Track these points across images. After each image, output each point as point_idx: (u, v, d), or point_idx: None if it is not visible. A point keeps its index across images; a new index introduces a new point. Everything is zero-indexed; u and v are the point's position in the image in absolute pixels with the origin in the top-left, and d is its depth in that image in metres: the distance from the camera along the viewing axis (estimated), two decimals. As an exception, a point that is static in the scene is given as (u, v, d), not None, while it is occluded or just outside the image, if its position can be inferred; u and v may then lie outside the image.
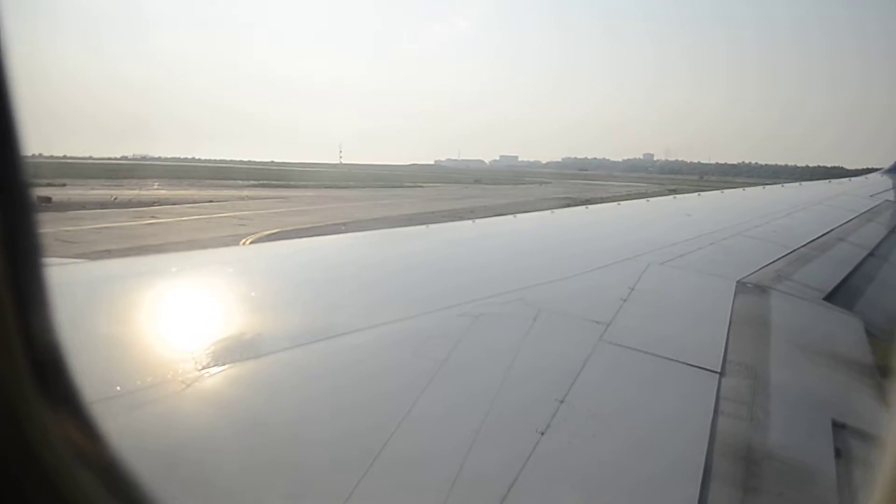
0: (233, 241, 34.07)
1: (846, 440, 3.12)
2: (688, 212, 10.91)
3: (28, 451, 1.13)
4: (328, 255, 6.63)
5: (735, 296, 5.20)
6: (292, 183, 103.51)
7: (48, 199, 54.50)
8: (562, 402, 2.99)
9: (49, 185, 76.12)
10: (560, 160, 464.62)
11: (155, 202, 58.56)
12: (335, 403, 2.97)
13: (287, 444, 2.58)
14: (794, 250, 7.38)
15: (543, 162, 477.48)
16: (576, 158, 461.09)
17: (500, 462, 2.53)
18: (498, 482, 2.37)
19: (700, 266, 6.14)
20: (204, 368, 2.99)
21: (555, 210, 11.80)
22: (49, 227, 38.71)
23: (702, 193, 14.73)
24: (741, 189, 16.83)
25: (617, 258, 5.96)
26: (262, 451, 2.51)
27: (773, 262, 6.66)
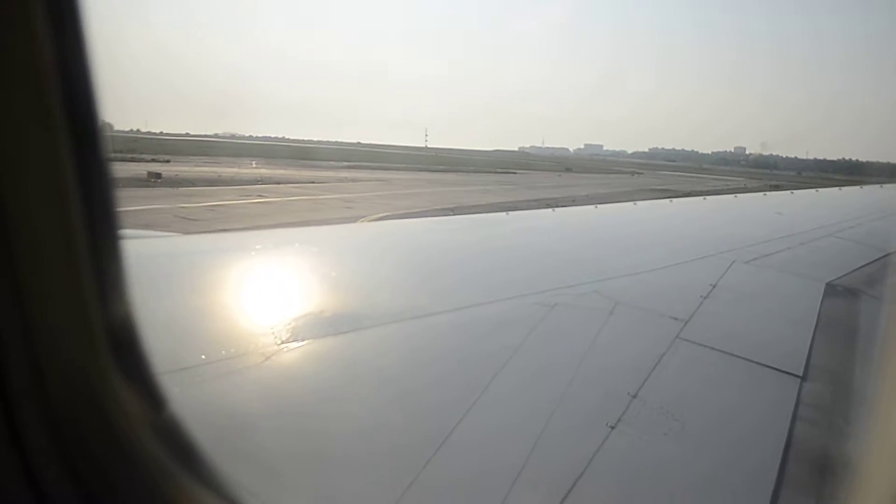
0: (345, 223, 33.81)
1: None
2: (778, 210, 10.47)
3: (104, 420, 1.21)
4: (408, 238, 6.67)
5: (823, 298, 4.98)
6: (385, 165, 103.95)
7: (158, 175, 55.87)
8: (634, 397, 2.94)
9: (154, 160, 78.54)
10: (647, 150, 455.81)
11: (258, 180, 59.40)
12: (408, 384, 2.97)
13: (359, 421, 2.60)
14: (890, 253, 6.98)
15: (629, 152, 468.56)
16: (663, 149, 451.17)
17: (567, 453, 2.51)
18: (565, 474, 2.35)
19: (787, 266, 5.93)
20: (284, 343, 3.06)
21: (637, 202, 11.44)
22: (166, 202, 39.56)
23: (794, 192, 14.23)
24: (836, 188, 15.83)
25: (700, 254, 5.83)
26: (334, 426, 2.55)
27: (866, 264, 6.28)
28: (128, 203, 35.84)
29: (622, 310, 4.04)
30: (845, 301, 5.13)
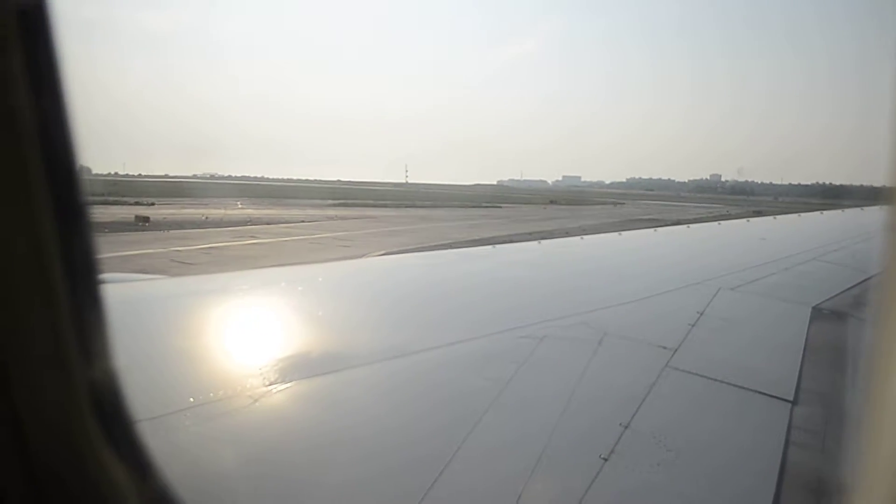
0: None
1: None
2: (761, 235, 10.53)
3: (91, 489, 1.18)
4: (392, 274, 6.67)
5: (810, 322, 5.00)
6: (370, 202, 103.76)
7: (146, 219, 55.19)
8: (626, 427, 2.93)
9: (138, 203, 77.67)
10: (624, 180, 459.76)
11: (248, 221, 58.86)
12: (398, 422, 2.96)
13: (349, 462, 2.58)
14: (874, 276, 6.48)
15: (607, 182, 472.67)
16: (640, 178, 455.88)
17: (561, 486, 2.51)
18: None
19: (773, 291, 5.96)
20: (270, 384, 3.03)
21: (622, 232, 11.41)
22: (159, 246, 38.91)
23: (776, 217, 14.25)
24: (818, 212, 15.92)
25: (686, 282, 5.85)
26: (323, 468, 2.53)
27: (851, 287, 6.32)
28: (121, 248, 35.29)
29: (610, 340, 4.01)
30: (832, 324, 5.13)
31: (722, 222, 14.01)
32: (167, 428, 2.56)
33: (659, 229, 12.16)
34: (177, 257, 35.25)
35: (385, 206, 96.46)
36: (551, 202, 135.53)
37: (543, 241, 9.78)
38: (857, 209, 16.46)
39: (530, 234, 51.21)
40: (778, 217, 14.30)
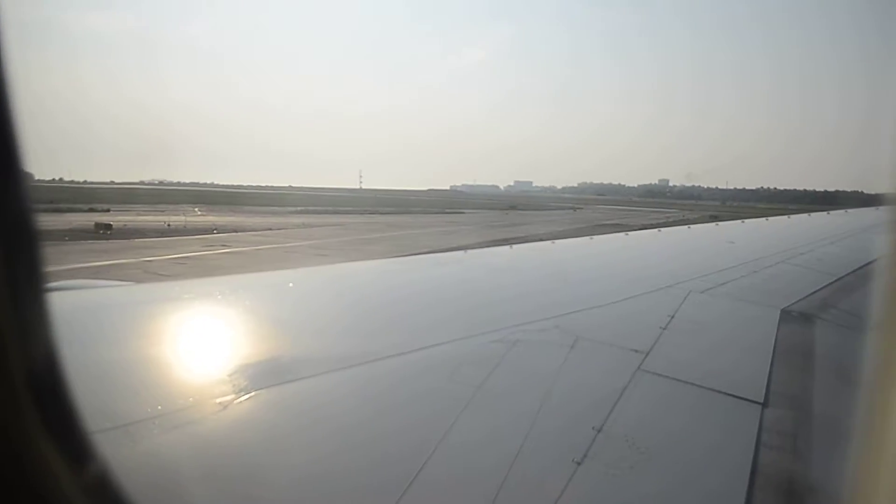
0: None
1: None
2: (729, 239, 10.52)
3: (25, 481, 1.14)
4: (362, 280, 6.67)
5: (779, 324, 5.02)
6: (331, 209, 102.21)
7: (108, 227, 53.12)
8: (599, 431, 2.94)
9: (92, 210, 75.00)
10: (576, 185, 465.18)
11: (213, 229, 57.08)
12: (369, 429, 2.92)
13: (319, 470, 2.56)
14: (841, 278, 7.06)
15: (559, 187, 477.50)
16: (591, 183, 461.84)
17: (535, 491, 2.51)
18: None
19: (742, 294, 5.98)
20: (237, 392, 2.97)
21: (593, 236, 11.47)
22: (129, 256, 37.38)
23: (744, 220, 14.43)
24: (785, 216, 16.00)
25: (656, 286, 5.83)
26: (291, 475, 2.48)
27: (819, 290, 6.42)
28: (88, 258, 33.86)
29: (583, 344, 4.02)
30: (801, 326, 5.17)
31: (691, 226, 13.96)
32: (130, 437, 2.48)
33: (630, 233, 12.19)
34: (150, 268, 33.89)
35: (347, 212, 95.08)
36: (511, 207, 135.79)
37: (515, 246, 9.73)
38: (824, 213, 16.76)
39: (506, 240, 50.81)
40: (746, 221, 14.39)
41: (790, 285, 6.57)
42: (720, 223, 14.49)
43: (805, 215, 16.62)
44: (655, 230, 13.26)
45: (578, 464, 2.67)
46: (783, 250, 8.50)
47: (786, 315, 5.33)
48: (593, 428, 2.97)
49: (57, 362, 1.19)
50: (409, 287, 6.10)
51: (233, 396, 2.96)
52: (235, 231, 56.36)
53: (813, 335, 5.01)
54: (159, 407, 2.79)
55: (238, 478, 2.47)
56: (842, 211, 17.05)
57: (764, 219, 15.47)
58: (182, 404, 2.88)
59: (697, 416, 3.43)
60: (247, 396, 2.98)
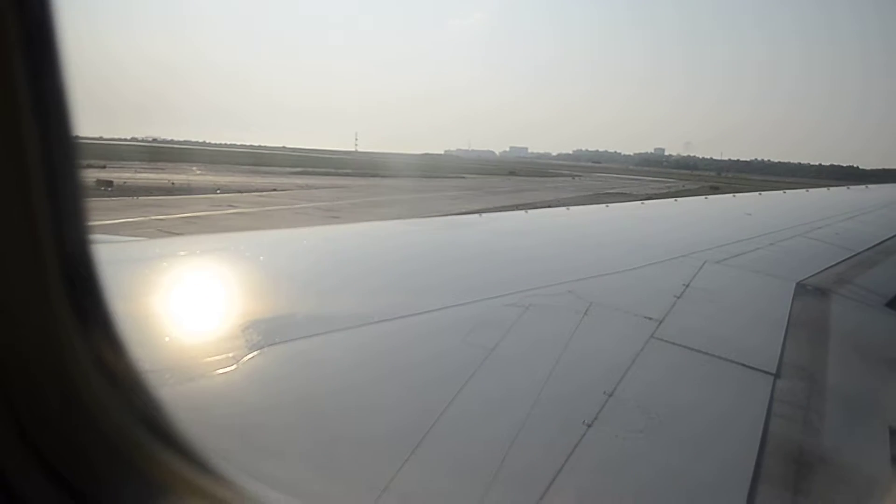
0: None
1: None
2: (747, 210, 10.56)
3: (60, 369, 1.17)
4: (378, 240, 6.64)
5: (794, 297, 5.05)
6: (331, 171, 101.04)
7: (109, 183, 52.02)
8: (610, 395, 2.95)
9: (89, 166, 73.69)
10: (571, 152, 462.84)
11: (217, 189, 56.02)
12: (383, 385, 2.95)
13: (330, 425, 2.58)
14: (858, 253, 7.12)
15: (554, 154, 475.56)
16: (587, 150, 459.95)
17: (545, 451, 2.53)
18: (543, 472, 2.37)
19: (758, 266, 5.97)
20: (249, 348, 2.97)
21: (609, 204, 11.40)
22: (137, 214, 36.56)
23: (761, 193, 14.34)
24: (804, 190, 16.45)
25: (672, 255, 5.84)
26: (306, 430, 2.52)
27: (835, 264, 6.43)
28: (96, 215, 32.84)
29: (597, 310, 4.02)
30: (816, 300, 5.18)
31: (708, 197, 14.06)
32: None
33: (645, 202, 12.37)
34: (162, 226, 32.98)
35: (348, 174, 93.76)
36: (511, 173, 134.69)
37: (530, 211, 9.72)
38: (843, 188, 16.98)
39: (516, 207, 50.20)
40: (763, 193, 14.30)
41: (806, 259, 6.58)
42: (737, 195, 14.27)
43: (824, 189, 16.57)
44: (671, 200, 13.39)
45: (589, 426, 2.69)
46: (800, 224, 8.48)
47: (801, 288, 5.34)
48: (605, 392, 2.98)
49: (91, 258, 1.20)
50: (424, 248, 6.09)
51: (247, 350, 2.97)
52: (239, 192, 55.22)
53: (828, 309, 5.02)
54: (170, 360, 2.81)
55: (249, 431, 2.47)
56: (861, 187, 17.38)
57: (781, 192, 15.46)
58: (195, 356, 2.90)
59: (709, 384, 3.44)
60: (260, 351, 2.99)
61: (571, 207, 10.26)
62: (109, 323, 1.27)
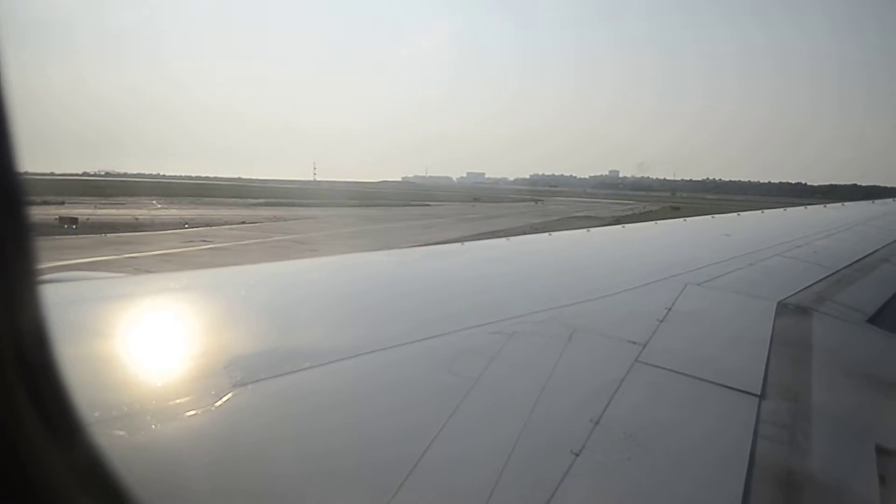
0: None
1: (891, 466, 3.05)
2: (725, 231, 10.44)
3: (19, 464, 1.13)
4: (358, 272, 6.52)
5: (775, 317, 4.99)
6: (294, 202, 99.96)
7: (73, 220, 50.49)
8: (597, 423, 2.93)
9: (46, 202, 71.58)
10: (528, 177, 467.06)
11: (184, 223, 54.83)
12: (366, 420, 2.90)
13: (315, 460, 2.53)
14: (837, 271, 7.02)
15: (511, 179, 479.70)
16: (543, 175, 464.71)
17: (533, 482, 2.49)
18: (531, 502, 2.36)
19: (739, 286, 5.90)
20: (232, 385, 2.92)
21: (590, 229, 11.31)
22: (108, 252, 35.53)
23: (740, 213, 14.20)
24: (781, 209, 16.29)
25: (653, 278, 5.73)
26: (286, 468, 2.46)
27: (815, 282, 6.33)
28: (65, 254, 31.89)
29: (580, 336, 3.99)
30: (797, 319, 5.14)
31: (687, 219, 13.57)
32: (124, 428, 2.45)
33: (625, 226, 12.30)
34: (137, 265, 32.18)
35: (312, 205, 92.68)
36: (475, 199, 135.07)
37: (512, 238, 9.43)
38: (819, 206, 16.72)
39: (490, 233, 50.07)
40: (741, 214, 14.22)
41: (787, 278, 6.51)
42: (715, 216, 13.58)
43: (801, 208, 16.56)
44: (652, 223, 13.14)
45: (577, 455, 2.66)
46: (779, 243, 8.37)
47: (782, 307, 5.33)
48: (591, 420, 2.96)
49: (49, 350, 1.17)
50: (405, 279, 6.01)
51: (229, 388, 2.89)
52: (208, 225, 54.22)
53: (810, 327, 4.99)
54: (152, 399, 2.75)
55: (233, 470, 2.41)
56: (838, 204, 17.14)
57: (759, 212, 15.34)
58: (177, 395, 2.81)
59: (695, 407, 3.42)
60: (242, 388, 2.92)
61: (553, 233, 10.24)
62: (71, 419, 1.23)
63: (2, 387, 1.06)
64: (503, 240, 9.41)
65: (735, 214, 14.05)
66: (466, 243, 8.63)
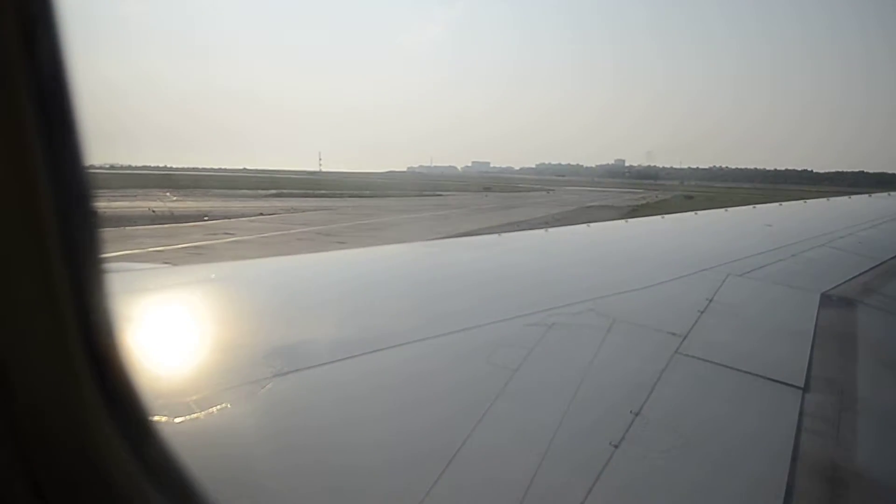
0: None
1: None
2: (766, 222, 10.39)
3: (92, 461, 1.15)
4: (395, 263, 6.61)
5: (819, 309, 4.96)
6: (308, 193, 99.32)
7: (92, 213, 49.82)
8: (637, 414, 2.91)
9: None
10: (534, 166, 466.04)
11: (203, 216, 54.26)
12: (407, 408, 2.92)
13: (354, 451, 2.57)
14: (883, 262, 6.95)
15: (516, 168, 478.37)
16: (549, 164, 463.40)
17: (572, 474, 2.50)
18: (570, 493, 2.36)
19: (782, 278, 5.86)
20: (267, 376, 2.96)
21: (628, 220, 11.64)
22: (132, 245, 34.87)
23: (782, 203, 14.29)
24: (824, 199, 16.18)
25: (693, 269, 5.72)
26: (326, 458, 2.50)
27: (860, 274, 6.30)
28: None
29: (620, 327, 3.98)
30: (841, 310, 5.07)
31: (728, 209, 13.68)
32: (176, 416, 2.49)
33: (664, 216, 12.23)
34: (166, 258, 31.34)
35: (327, 196, 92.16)
36: (486, 189, 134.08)
37: (545, 230, 9.65)
38: (864, 196, 16.63)
39: (512, 224, 49.50)
40: (783, 204, 14.20)
41: (830, 269, 6.50)
42: (756, 206, 13.85)
43: (845, 198, 16.46)
44: (690, 213, 13.06)
45: (616, 447, 2.63)
46: (822, 233, 8.34)
47: (826, 299, 5.26)
48: (631, 411, 2.92)
49: (115, 337, 1.18)
50: (443, 270, 6.05)
51: (266, 379, 2.92)
52: (227, 217, 53.57)
53: (854, 319, 4.94)
54: (198, 388, 2.76)
55: (272, 457, 2.44)
56: (884, 194, 17.04)
57: (801, 202, 15.29)
58: (213, 387, 2.83)
59: (737, 400, 3.37)
60: (281, 379, 2.95)
61: (590, 224, 10.40)
62: (139, 410, 1.24)
63: (73, 378, 1.08)
64: (539, 231, 9.70)
65: (777, 205, 13.95)
66: (503, 234, 8.64)
